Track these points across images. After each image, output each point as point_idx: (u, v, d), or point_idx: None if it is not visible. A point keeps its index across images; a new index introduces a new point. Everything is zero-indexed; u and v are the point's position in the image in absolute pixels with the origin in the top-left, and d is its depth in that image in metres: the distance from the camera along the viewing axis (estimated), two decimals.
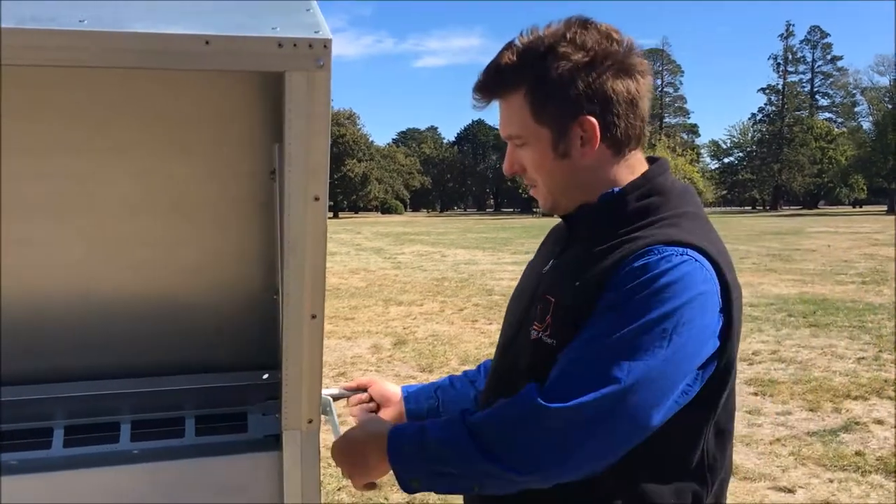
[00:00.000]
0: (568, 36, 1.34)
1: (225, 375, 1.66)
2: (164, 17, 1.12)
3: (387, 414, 1.76)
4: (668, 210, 1.35)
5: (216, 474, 1.51)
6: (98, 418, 1.57)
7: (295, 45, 1.13)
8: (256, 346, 1.67)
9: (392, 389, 1.81)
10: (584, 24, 1.36)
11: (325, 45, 1.14)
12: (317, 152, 1.21)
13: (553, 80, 1.33)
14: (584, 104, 1.33)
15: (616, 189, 1.39)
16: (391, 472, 1.37)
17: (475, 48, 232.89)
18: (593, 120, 1.34)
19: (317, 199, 1.25)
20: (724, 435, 1.39)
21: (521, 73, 1.35)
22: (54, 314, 1.52)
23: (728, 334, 1.28)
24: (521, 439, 1.23)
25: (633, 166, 1.41)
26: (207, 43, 1.10)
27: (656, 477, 1.33)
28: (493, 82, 1.40)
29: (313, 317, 1.34)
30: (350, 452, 1.47)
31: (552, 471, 1.23)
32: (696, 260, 1.25)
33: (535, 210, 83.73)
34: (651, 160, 1.46)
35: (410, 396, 1.80)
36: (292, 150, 1.21)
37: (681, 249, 1.26)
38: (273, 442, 1.56)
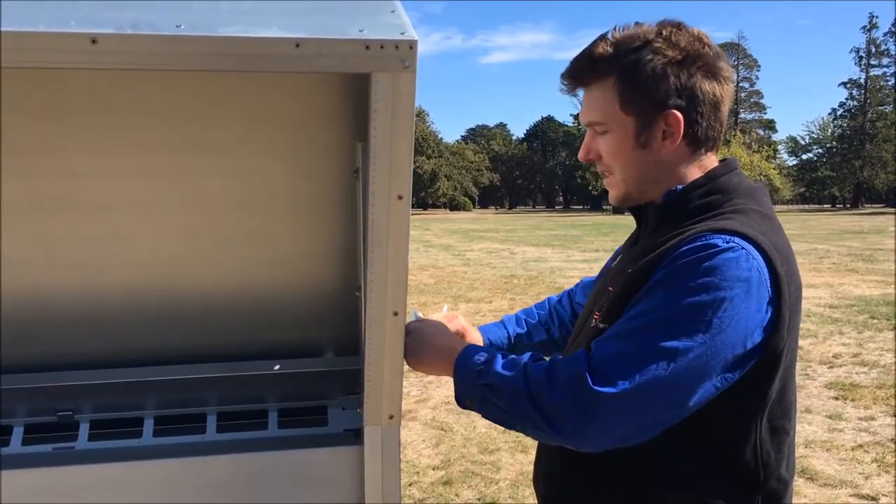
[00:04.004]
0: (664, 34, 1.40)
1: (305, 372, 1.70)
2: (255, 20, 1.16)
3: None
4: (728, 207, 1.39)
5: (298, 466, 1.55)
6: (186, 409, 1.62)
7: (381, 46, 1.15)
8: (336, 342, 1.70)
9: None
10: (678, 25, 1.42)
11: (411, 46, 1.16)
12: (401, 151, 1.23)
13: (646, 71, 1.38)
14: (673, 99, 1.38)
15: (679, 187, 1.43)
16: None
17: (545, 44, 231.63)
18: (679, 115, 1.38)
19: (400, 197, 1.27)
20: (780, 432, 1.40)
21: (614, 62, 1.40)
22: (143, 304, 1.57)
23: (776, 326, 1.29)
24: (567, 410, 1.27)
25: (706, 167, 1.45)
26: (298, 46, 1.13)
27: (709, 470, 1.35)
28: (585, 70, 1.44)
29: (395, 314, 1.36)
30: (419, 352, 1.52)
31: (587, 442, 1.28)
32: (742, 248, 1.27)
33: (605, 207, 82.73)
34: (721, 161, 1.49)
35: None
36: (377, 149, 1.23)
37: (727, 237, 1.28)
38: (352, 436, 1.59)
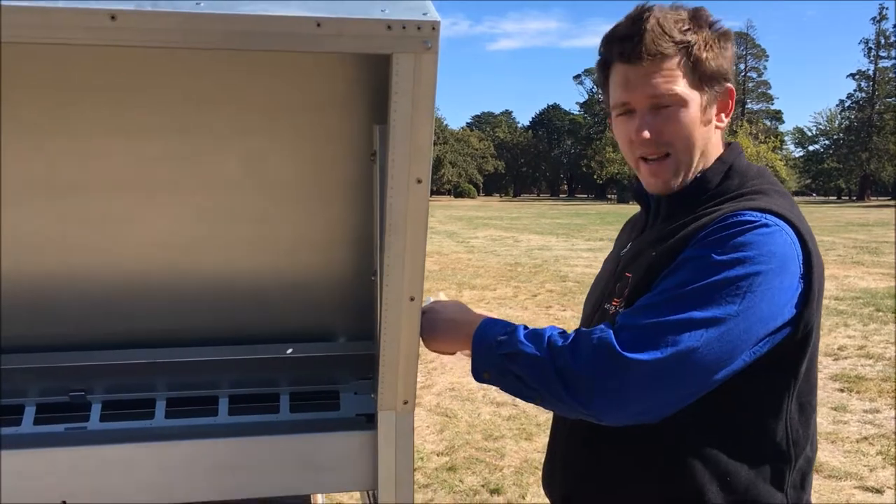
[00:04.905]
0: (703, 12, 1.41)
1: (318, 357, 1.69)
2: None
3: None
4: (745, 188, 1.39)
5: (309, 450, 1.54)
6: (198, 392, 1.62)
7: (404, 27, 1.14)
8: (349, 327, 1.69)
9: None
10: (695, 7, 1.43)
11: (434, 27, 1.15)
12: (421, 134, 1.22)
13: (712, 46, 1.39)
14: (729, 74, 1.42)
15: (697, 174, 1.43)
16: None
17: (552, 31, 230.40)
18: (733, 89, 1.44)
19: (419, 181, 1.26)
20: (807, 409, 1.40)
21: (684, 37, 1.38)
22: (156, 286, 1.56)
23: (807, 301, 1.29)
24: (594, 379, 1.25)
25: (721, 147, 1.47)
26: (319, 25, 1.11)
27: (740, 449, 1.35)
28: (662, 42, 1.37)
29: (411, 299, 1.35)
30: (435, 328, 1.50)
31: (612, 413, 1.27)
32: (776, 225, 1.28)
33: (609, 196, 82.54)
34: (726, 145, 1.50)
35: None
36: (396, 132, 1.22)
37: (760, 214, 1.29)
38: (364, 421, 1.58)
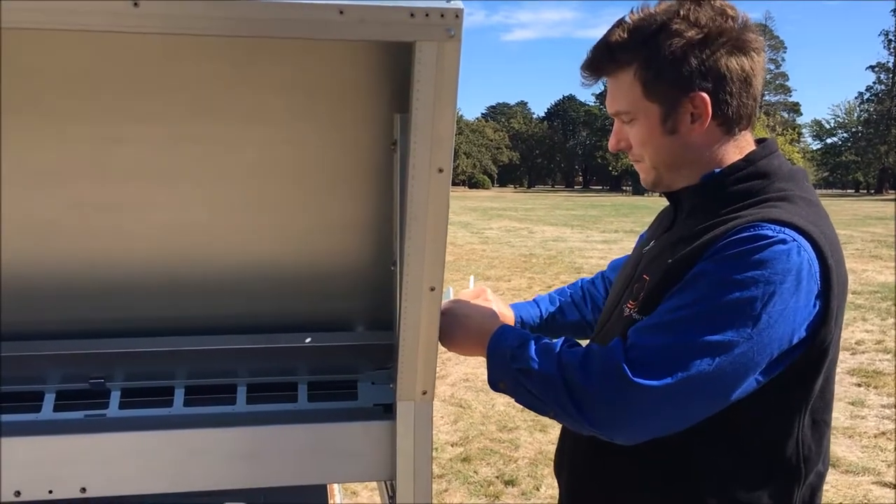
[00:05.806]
0: (681, 13, 1.33)
1: (336, 346, 1.68)
2: None
3: None
4: (771, 192, 1.33)
5: (327, 440, 1.54)
6: (217, 380, 1.62)
7: (427, 14, 1.13)
8: (368, 316, 1.69)
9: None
10: (699, 0, 1.34)
11: (457, 14, 1.14)
12: (443, 123, 1.21)
13: (665, 57, 1.32)
14: (697, 81, 1.32)
15: (717, 170, 1.38)
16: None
17: (568, 21, 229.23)
18: (705, 96, 1.33)
19: (441, 170, 1.25)
20: (821, 426, 1.37)
21: (633, 50, 1.35)
22: (175, 273, 1.56)
23: (824, 320, 1.25)
24: (603, 401, 1.25)
25: (742, 147, 1.40)
26: (341, 12, 1.10)
27: (746, 464, 1.32)
28: (603, 60, 1.40)
29: (432, 289, 1.35)
30: (451, 334, 1.52)
31: (622, 433, 1.27)
32: (794, 240, 1.23)
33: (624, 188, 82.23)
34: (759, 141, 1.43)
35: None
36: (418, 120, 1.21)
37: (779, 228, 1.24)
38: (382, 411, 1.58)
